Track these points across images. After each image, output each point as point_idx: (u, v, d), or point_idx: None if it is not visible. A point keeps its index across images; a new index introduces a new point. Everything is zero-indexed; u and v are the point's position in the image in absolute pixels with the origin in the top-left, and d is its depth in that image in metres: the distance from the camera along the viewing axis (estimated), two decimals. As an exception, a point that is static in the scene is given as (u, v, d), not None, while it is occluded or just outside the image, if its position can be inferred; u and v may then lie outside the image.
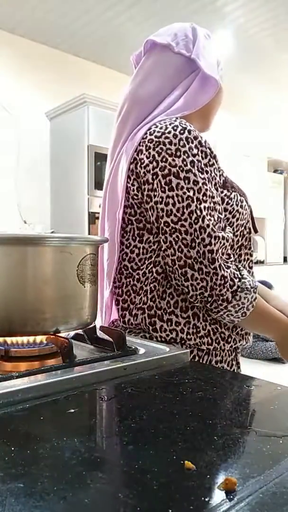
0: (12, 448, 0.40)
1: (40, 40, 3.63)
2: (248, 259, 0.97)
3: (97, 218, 3.25)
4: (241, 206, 0.93)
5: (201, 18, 3.23)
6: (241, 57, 3.85)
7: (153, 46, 0.96)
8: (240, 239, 0.95)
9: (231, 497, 0.33)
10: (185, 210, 0.82)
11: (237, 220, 0.92)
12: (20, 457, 0.39)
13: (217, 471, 0.37)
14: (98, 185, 3.25)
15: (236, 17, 3.27)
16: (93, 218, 3.27)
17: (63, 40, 3.63)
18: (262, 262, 5.05)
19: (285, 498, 0.33)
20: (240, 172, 4.39)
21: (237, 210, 0.92)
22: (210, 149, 0.88)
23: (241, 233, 0.95)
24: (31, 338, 0.65)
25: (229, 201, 0.91)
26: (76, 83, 3.68)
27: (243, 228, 0.95)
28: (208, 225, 0.82)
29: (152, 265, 0.90)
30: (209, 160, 0.87)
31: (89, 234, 3.15)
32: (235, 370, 0.97)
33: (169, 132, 0.84)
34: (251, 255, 0.98)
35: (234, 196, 0.92)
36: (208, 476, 0.36)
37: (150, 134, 0.87)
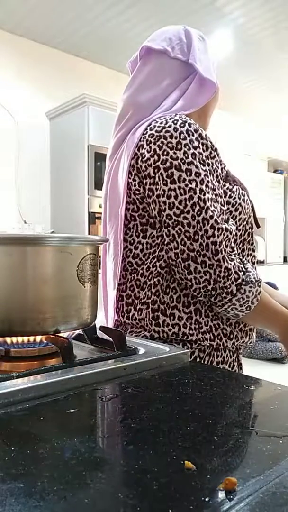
0: (12, 448, 0.40)
1: (40, 40, 3.63)
2: (251, 254, 0.97)
3: (97, 218, 3.25)
4: (243, 200, 0.93)
5: (201, 17, 3.23)
6: (241, 57, 3.85)
7: (148, 51, 0.96)
8: (243, 233, 0.94)
9: (231, 497, 0.33)
10: (187, 202, 0.82)
11: (239, 213, 0.92)
12: (20, 457, 0.39)
13: (217, 471, 0.37)
14: (98, 185, 3.25)
15: (236, 17, 3.27)
16: (93, 218, 3.27)
17: (63, 40, 3.63)
18: (262, 262, 5.05)
19: (285, 498, 0.33)
20: (240, 171, 4.38)
21: (240, 204, 0.92)
22: (211, 142, 0.88)
23: (244, 228, 0.95)
24: (31, 338, 0.65)
25: (232, 194, 0.91)
26: (76, 83, 3.68)
27: (245, 222, 0.94)
28: (211, 216, 0.82)
29: (156, 260, 0.90)
30: (210, 152, 0.87)
31: (89, 234, 3.15)
32: (237, 371, 0.96)
33: (170, 126, 0.84)
34: (254, 251, 0.98)
35: (236, 189, 0.92)
36: (208, 476, 0.36)
37: (151, 129, 0.87)
